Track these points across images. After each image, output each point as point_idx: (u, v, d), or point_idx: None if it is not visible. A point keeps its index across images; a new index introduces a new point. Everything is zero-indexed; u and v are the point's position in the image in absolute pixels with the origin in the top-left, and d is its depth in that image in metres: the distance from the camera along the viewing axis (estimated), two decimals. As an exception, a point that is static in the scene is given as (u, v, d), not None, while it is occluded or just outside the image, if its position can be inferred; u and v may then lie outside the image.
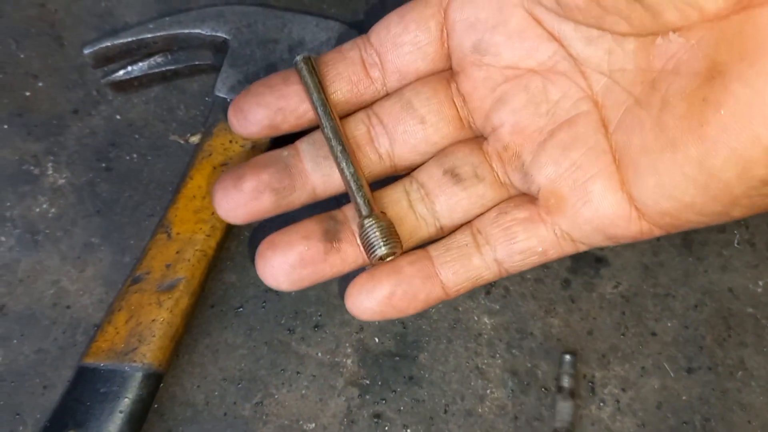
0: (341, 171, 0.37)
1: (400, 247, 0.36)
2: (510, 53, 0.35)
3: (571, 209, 0.34)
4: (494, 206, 0.37)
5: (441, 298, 0.36)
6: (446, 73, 0.39)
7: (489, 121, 0.37)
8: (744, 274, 0.46)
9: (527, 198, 0.37)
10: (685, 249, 0.46)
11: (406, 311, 0.36)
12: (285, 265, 0.35)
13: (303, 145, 0.38)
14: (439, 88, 0.38)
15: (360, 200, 0.36)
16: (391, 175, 0.39)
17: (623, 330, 0.44)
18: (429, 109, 0.38)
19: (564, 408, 0.41)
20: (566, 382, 0.42)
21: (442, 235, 0.38)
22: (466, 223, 0.37)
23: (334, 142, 0.37)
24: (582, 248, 0.35)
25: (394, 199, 0.38)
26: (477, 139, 0.39)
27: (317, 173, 0.38)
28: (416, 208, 0.38)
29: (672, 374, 0.43)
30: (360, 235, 0.36)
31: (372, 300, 0.35)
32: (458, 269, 0.36)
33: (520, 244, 0.36)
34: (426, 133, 0.38)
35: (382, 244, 0.35)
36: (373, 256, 0.35)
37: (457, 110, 0.38)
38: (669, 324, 0.44)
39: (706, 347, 0.44)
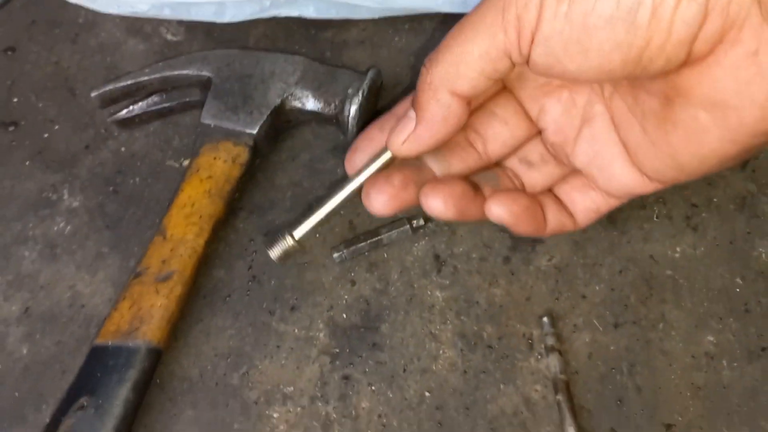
0: None
1: None
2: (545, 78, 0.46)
3: (602, 184, 0.45)
4: (561, 179, 0.48)
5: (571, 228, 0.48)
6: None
7: (538, 125, 0.48)
8: (663, 243, 0.52)
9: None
10: (610, 224, 0.53)
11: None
12: (452, 197, 0.43)
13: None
14: (507, 99, 0.48)
15: None
16: (487, 166, 0.49)
17: (557, 295, 0.51)
18: (507, 113, 0.48)
19: (553, 360, 0.48)
20: (550, 340, 0.48)
21: None
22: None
23: None
24: (623, 201, 0.46)
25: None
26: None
27: (438, 169, 0.47)
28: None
29: (601, 329, 0.50)
30: None
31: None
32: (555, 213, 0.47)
33: (580, 204, 0.47)
34: (510, 130, 0.48)
35: None
36: None
37: (526, 112, 0.48)
38: (597, 288, 0.51)
39: (631, 305, 0.50)
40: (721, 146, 0.37)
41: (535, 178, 0.48)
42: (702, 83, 0.35)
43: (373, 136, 0.48)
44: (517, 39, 0.36)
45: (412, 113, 0.42)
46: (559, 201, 0.47)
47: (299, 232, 0.48)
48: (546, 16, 0.35)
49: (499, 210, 0.44)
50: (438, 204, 0.44)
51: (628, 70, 0.35)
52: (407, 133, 0.42)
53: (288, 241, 0.48)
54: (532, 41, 0.36)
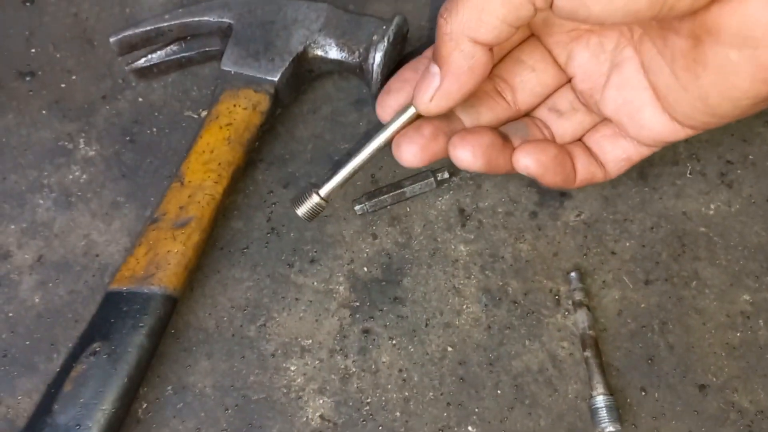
0: None
1: None
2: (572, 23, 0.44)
3: (633, 132, 0.43)
4: (591, 128, 0.46)
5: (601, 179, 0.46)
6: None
7: (566, 72, 0.46)
8: (696, 200, 0.50)
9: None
10: (641, 180, 0.51)
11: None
12: (481, 147, 0.42)
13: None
14: (534, 46, 0.47)
15: None
16: (517, 117, 0.47)
17: (585, 251, 0.49)
18: (534, 60, 0.47)
19: (581, 316, 0.46)
20: (578, 295, 0.46)
21: None
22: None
23: None
24: (655, 150, 0.45)
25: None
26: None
27: (468, 120, 0.46)
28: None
29: (631, 286, 0.48)
30: None
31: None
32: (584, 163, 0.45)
33: (610, 153, 0.45)
34: (538, 78, 0.47)
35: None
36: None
37: (554, 58, 0.47)
38: (627, 244, 0.49)
39: (662, 262, 0.48)
40: (753, 86, 0.35)
41: (565, 127, 0.47)
42: (732, 20, 0.33)
43: (407, 77, 0.46)
44: None
45: (434, 68, 0.41)
46: (588, 150, 0.46)
47: (326, 189, 0.46)
48: None
49: (527, 160, 0.42)
50: (466, 154, 0.42)
51: (655, 10, 0.34)
52: (433, 89, 0.41)
53: (314, 199, 0.46)
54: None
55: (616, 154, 0.45)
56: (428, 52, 0.47)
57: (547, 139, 0.46)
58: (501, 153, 0.43)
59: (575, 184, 0.45)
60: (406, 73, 0.46)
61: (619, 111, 0.44)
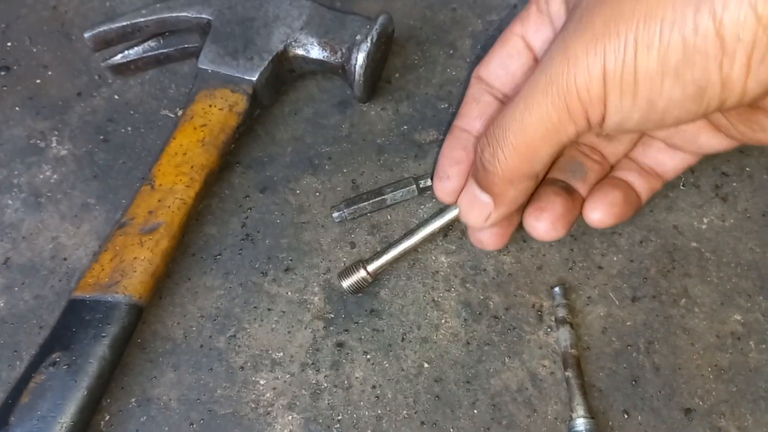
0: None
1: None
2: None
3: (688, 149, 0.42)
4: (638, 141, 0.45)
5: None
6: None
7: None
8: (689, 213, 0.48)
9: None
10: (631, 192, 0.49)
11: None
12: (559, 218, 0.41)
13: None
14: None
15: None
16: None
17: (570, 265, 0.47)
18: None
19: (564, 333, 0.44)
20: (561, 312, 0.44)
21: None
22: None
23: None
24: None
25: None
26: None
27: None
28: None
29: (617, 303, 0.46)
30: None
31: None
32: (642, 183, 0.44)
33: (669, 164, 0.43)
34: None
35: None
36: None
37: None
38: (615, 258, 0.47)
39: (651, 278, 0.46)
40: None
41: (616, 147, 0.44)
42: None
43: (459, 158, 0.43)
44: (587, 125, 0.34)
45: (485, 197, 0.39)
46: (640, 167, 0.44)
47: (374, 265, 0.46)
48: (611, 109, 0.32)
49: (598, 215, 0.41)
50: (547, 228, 0.41)
51: (698, 114, 0.32)
52: (487, 214, 0.40)
53: (361, 273, 0.45)
54: (602, 124, 0.33)
55: (675, 164, 0.44)
56: (465, 123, 0.44)
57: (610, 178, 0.44)
58: (572, 211, 0.42)
59: (641, 207, 0.44)
60: (455, 152, 0.44)
61: (672, 135, 0.42)
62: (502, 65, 0.44)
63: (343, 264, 0.48)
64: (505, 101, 0.44)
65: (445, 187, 0.43)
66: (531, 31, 0.43)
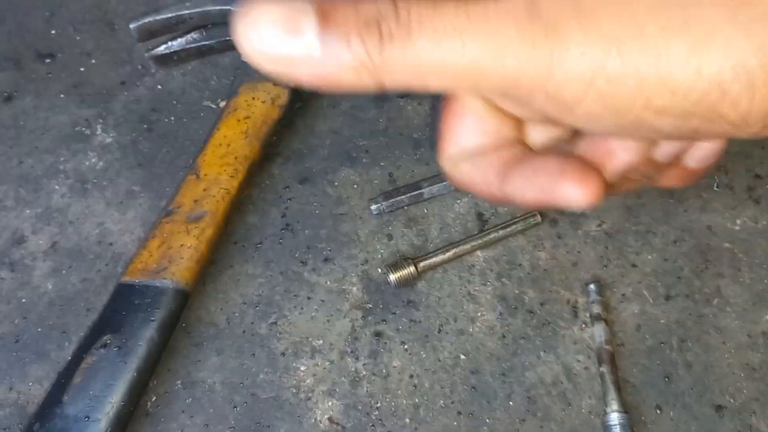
0: None
1: None
2: None
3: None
4: None
5: None
6: None
7: None
8: (722, 214, 0.49)
9: None
10: (665, 191, 0.50)
11: None
12: None
13: None
14: None
15: None
16: None
17: (605, 262, 0.48)
18: None
19: (598, 329, 0.45)
20: (596, 308, 0.46)
21: None
22: None
23: None
24: None
25: None
26: None
27: None
28: None
29: (651, 301, 0.47)
30: None
31: None
32: None
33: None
34: None
35: None
36: None
37: None
38: (649, 257, 0.48)
39: (684, 277, 0.47)
40: None
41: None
42: None
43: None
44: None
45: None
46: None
47: (424, 264, 0.48)
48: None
49: None
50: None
51: None
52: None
53: (410, 269, 0.47)
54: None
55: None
56: None
57: None
58: None
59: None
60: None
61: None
62: None
63: (380, 255, 0.49)
64: None
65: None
66: None
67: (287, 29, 0.26)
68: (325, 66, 0.26)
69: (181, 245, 0.46)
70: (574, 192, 0.30)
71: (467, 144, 0.33)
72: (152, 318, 0.44)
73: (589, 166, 0.31)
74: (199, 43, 0.57)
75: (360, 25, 0.26)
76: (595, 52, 0.25)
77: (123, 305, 0.45)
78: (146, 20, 0.55)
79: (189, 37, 0.57)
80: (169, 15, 0.55)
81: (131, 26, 0.55)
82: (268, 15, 0.26)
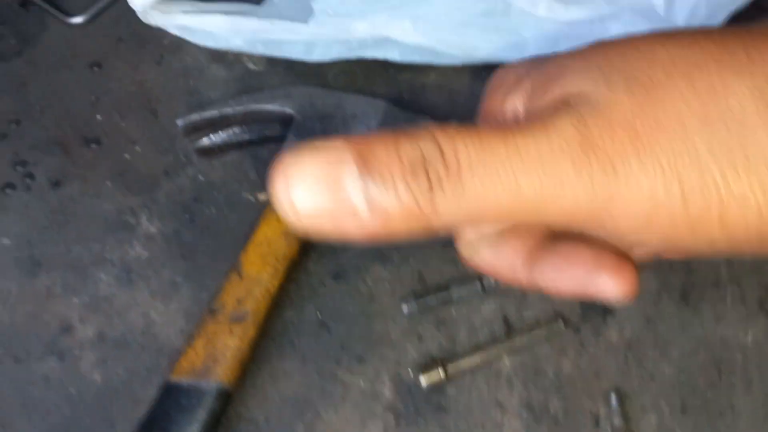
0: None
1: None
2: None
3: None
4: None
5: None
6: None
7: None
8: (735, 326, 0.52)
9: None
10: (682, 302, 0.52)
11: None
12: None
13: None
14: None
15: None
16: None
17: (625, 372, 0.51)
18: None
19: None
20: (617, 420, 0.49)
21: None
22: None
23: None
24: None
25: None
26: None
27: None
28: None
29: (667, 413, 0.49)
30: None
31: None
32: None
33: None
34: None
35: None
36: None
37: None
38: (667, 368, 0.51)
39: (699, 389, 0.50)
40: None
41: None
42: None
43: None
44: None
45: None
46: None
47: (454, 367, 0.50)
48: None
49: None
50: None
51: None
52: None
53: (440, 373, 0.50)
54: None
55: None
56: None
57: None
58: None
59: None
60: None
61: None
62: None
63: (411, 357, 0.52)
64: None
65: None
66: None
67: (328, 186, 0.26)
68: (371, 218, 0.26)
69: (225, 346, 0.49)
70: (612, 284, 0.31)
71: (486, 229, 0.34)
72: (197, 419, 0.47)
73: (623, 256, 0.32)
74: (240, 138, 0.61)
75: (406, 172, 0.26)
76: (656, 186, 0.25)
77: (171, 405, 0.48)
78: (193, 118, 0.58)
79: (231, 131, 0.61)
80: (214, 113, 0.58)
81: (179, 123, 0.58)
82: (305, 170, 0.26)
